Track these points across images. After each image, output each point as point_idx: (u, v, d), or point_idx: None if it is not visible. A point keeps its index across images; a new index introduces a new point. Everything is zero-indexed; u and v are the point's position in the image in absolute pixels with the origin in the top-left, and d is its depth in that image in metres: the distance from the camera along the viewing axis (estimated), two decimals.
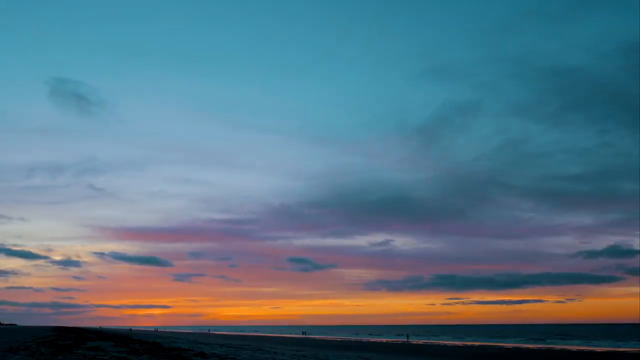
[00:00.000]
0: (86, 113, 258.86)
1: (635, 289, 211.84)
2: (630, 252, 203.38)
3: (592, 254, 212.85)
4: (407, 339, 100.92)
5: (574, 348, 52.72)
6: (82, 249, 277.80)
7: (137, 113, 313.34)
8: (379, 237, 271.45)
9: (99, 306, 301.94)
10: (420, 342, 73.26)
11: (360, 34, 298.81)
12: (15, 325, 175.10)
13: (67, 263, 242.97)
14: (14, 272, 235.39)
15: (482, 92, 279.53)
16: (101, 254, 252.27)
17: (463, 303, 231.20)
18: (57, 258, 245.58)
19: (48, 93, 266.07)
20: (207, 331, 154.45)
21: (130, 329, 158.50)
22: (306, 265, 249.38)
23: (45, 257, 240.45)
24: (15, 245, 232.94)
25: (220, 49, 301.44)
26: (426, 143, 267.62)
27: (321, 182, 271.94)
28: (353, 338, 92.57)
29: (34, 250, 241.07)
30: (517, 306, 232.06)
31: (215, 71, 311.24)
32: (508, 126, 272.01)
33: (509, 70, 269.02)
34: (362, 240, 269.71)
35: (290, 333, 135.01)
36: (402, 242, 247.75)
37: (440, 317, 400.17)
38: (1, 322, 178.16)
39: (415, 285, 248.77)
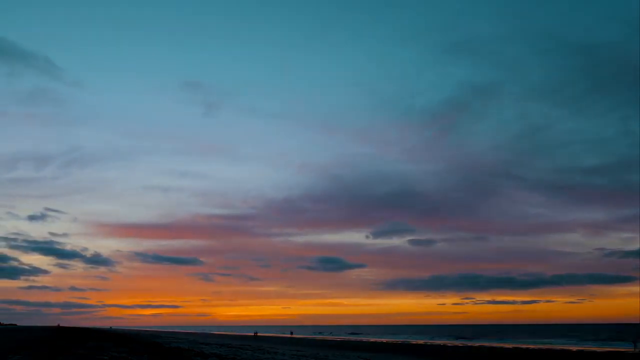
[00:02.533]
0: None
1: None
2: None
3: (605, 252, 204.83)
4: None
5: (574, 348, 52.64)
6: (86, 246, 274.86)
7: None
8: (387, 234, 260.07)
9: (110, 306, 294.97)
10: (420, 342, 73.19)
11: (369, 4, 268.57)
12: (15, 325, 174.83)
13: (93, 261, 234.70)
14: (35, 271, 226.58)
15: (504, 71, 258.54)
16: (137, 253, 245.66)
17: (474, 303, 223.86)
18: (87, 256, 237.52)
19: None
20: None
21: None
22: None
23: (74, 256, 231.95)
24: (36, 241, 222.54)
25: (215, 24, 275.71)
26: (440, 130, 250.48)
27: (327, 175, 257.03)
28: (353, 338, 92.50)
29: (65, 248, 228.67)
30: (528, 306, 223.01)
31: (210, 49, 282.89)
32: (528, 111, 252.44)
33: (535, 46, 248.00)
34: (368, 237, 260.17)
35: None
36: (411, 239, 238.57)
37: (450, 317, 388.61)
38: (1, 322, 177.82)
39: (423, 284, 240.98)
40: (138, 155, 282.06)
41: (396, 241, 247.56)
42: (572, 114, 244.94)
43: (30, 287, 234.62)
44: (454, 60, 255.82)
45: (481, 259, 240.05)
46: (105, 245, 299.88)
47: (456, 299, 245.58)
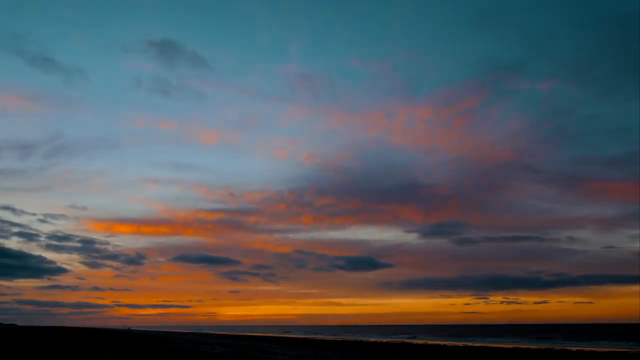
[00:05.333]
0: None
1: None
2: None
3: (617, 251, 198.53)
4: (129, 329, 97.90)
5: (574, 349, 52.66)
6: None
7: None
8: (394, 231, 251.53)
9: (121, 306, 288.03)
10: (421, 342, 73.21)
11: None
12: (15, 325, 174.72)
13: (125, 261, 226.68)
14: (59, 270, 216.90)
15: (531, 46, 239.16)
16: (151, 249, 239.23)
17: (486, 303, 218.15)
18: (116, 255, 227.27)
19: None
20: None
21: (129, 328, 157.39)
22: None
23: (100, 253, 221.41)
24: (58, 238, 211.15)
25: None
26: (458, 115, 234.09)
27: (332, 167, 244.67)
28: (352, 338, 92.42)
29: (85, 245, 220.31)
30: (539, 306, 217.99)
31: (205, 22, 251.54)
32: (553, 93, 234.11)
33: (570, 17, 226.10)
34: (374, 234, 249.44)
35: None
36: (417, 237, 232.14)
37: (460, 316, 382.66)
38: (1, 322, 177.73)
39: (433, 284, 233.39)
40: (135, 145, 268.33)
41: (402, 239, 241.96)
42: (598, 97, 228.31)
43: (50, 287, 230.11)
44: (474, 33, 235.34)
45: (495, 257, 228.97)
46: (132, 243, 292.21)
47: (468, 299, 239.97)
